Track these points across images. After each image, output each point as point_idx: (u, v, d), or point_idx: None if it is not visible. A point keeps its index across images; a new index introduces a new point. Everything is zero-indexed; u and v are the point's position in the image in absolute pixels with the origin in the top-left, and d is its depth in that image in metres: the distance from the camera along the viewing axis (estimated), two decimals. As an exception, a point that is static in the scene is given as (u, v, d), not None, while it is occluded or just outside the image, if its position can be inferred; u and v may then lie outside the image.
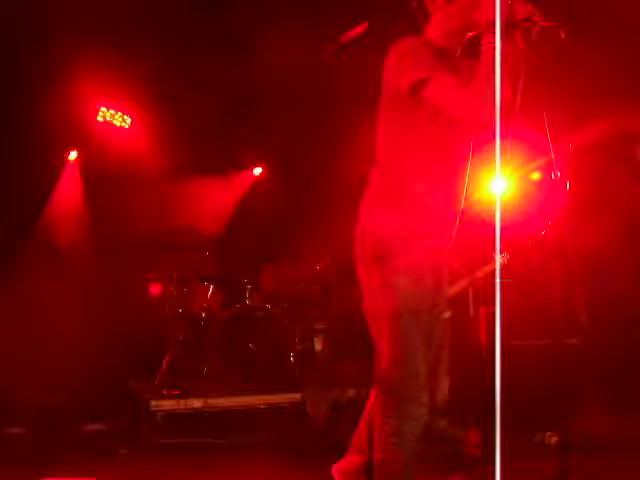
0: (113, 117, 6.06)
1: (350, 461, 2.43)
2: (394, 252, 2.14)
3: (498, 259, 3.93)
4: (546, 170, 2.34)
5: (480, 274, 4.24)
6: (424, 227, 2.16)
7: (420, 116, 2.09)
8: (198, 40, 5.16)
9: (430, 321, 2.22)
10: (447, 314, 2.40)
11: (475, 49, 2.06)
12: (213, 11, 5.09)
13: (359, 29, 2.41)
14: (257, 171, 7.12)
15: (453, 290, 4.29)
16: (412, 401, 2.27)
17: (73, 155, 6.37)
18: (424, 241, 2.15)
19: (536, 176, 5.11)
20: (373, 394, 2.37)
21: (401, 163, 2.17)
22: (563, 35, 2.00)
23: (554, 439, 3.77)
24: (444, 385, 4.26)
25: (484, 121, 1.92)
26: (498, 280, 1.89)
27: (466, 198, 2.39)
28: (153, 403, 4.48)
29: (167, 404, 4.51)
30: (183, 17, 4.98)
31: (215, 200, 6.72)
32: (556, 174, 2.26)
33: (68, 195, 6.35)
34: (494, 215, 1.85)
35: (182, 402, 4.52)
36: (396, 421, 2.24)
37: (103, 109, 6.01)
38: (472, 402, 4.12)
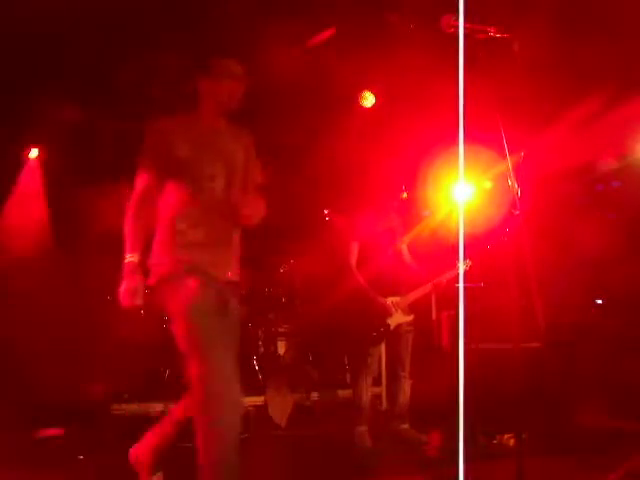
0: (77, 115, 5.96)
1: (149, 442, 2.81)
2: (168, 277, 2.64)
3: (461, 265, 4.01)
4: (502, 178, 2.39)
5: (443, 279, 4.31)
6: (196, 259, 2.63)
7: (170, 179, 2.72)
8: (165, 39, 5.12)
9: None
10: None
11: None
12: (180, 11, 5.07)
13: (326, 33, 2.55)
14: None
15: (415, 294, 4.36)
16: (218, 397, 2.51)
17: (34, 153, 6.26)
18: (200, 270, 2.62)
19: (492, 184, 5.24)
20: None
21: (166, 207, 2.72)
22: (516, 47, 2.07)
23: (512, 440, 3.86)
24: (406, 388, 4.34)
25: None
26: (461, 285, 1.92)
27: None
28: (114, 407, 4.42)
29: (128, 408, 4.46)
30: (149, 14, 4.95)
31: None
32: (512, 181, 2.31)
33: (28, 194, 6.24)
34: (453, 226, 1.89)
35: (143, 406, 4.47)
36: (206, 417, 2.51)
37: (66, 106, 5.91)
38: (434, 404, 4.18)
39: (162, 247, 2.69)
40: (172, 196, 2.70)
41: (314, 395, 5.17)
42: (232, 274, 2.77)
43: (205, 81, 2.75)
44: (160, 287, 2.66)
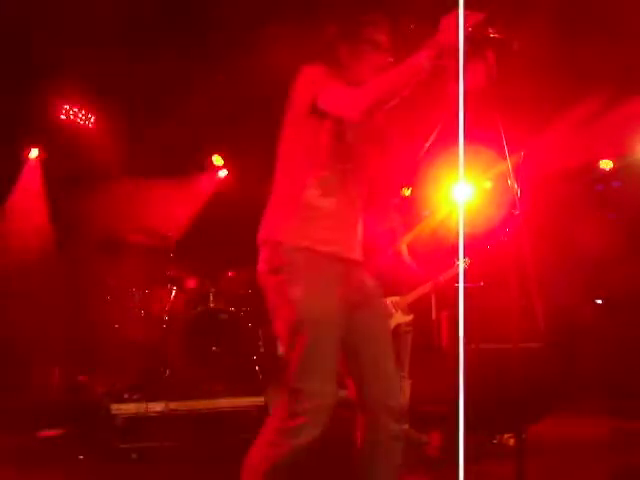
0: (76, 115, 5.97)
1: None
2: (286, 259, 2.18)
3: (461, 264, 4.01)
4: (502, 177, 2.39)
5: (442, 279, 4.32)
6: (322, 233, 2.21)
7: (317, 128, 2.23)
8: (165, 39, 5.12)
9: (337, 330, 2.20)
10: (384, 318, 2.45)
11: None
12: (178, 12, 5.07)
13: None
14: (222, 174, 7.10)
15: (416, 294, 4.36)
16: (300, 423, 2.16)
17: (34, 153, 6.26)
18: (324, 248, 2.20)
19: (492, 183, 5.25)
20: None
21: (297, 170, 2.26)
22: (516, 46, 2.07)
23: (512, 440, 3.86)
24: (405, 388, 4.33)
25: (361, 116, 2.11)
26: (461, 284, 1.92)
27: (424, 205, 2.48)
28: (113, 407, 4.41)
29: (128, 408, 4.45)
30: (148, 15, 4.95)
31: (180, 202, 6.69)
32: (512, 181, 2.31)
33: (28, 194, 6.24)
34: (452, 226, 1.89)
35: (143, 406, 4.46)
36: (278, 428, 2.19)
37: (66, 106, 5.92)
38: (434, 405, 4.18)
39: (279, 219, 2.24)
40: (307, 156, 2.24)
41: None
42: (359, 252, 2.32)
43: (346, 50, 2.32)
44: (269, 276, 2.22)
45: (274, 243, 2.22)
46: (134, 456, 4.01)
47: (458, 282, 4.15)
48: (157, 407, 4.48)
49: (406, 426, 4.33)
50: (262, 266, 2.26)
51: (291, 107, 2.29)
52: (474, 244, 4.08)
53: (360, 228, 2.34)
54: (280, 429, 2.17)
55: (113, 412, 4.37)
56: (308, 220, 2.21)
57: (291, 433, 2.14)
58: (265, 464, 2.15)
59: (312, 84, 2.21)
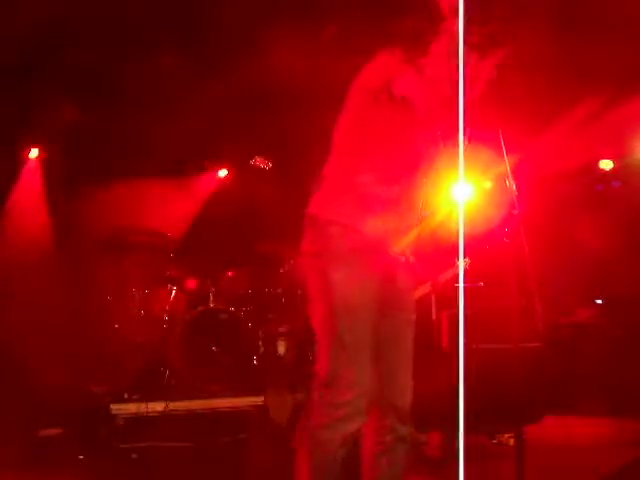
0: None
1: None
2: (331, 242, 2.14)
3: (461, 264, 4.01)
4: (500, 177, 2.39)
5: (442, 279, 4.32)
6: (366, 219, 2.16)
7: (383, 114, 2.16)
8: (166, 39, 5.12)
9: (372, 318, 2.15)
10: (411, 316, 2.42)
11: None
12: (178, 11, 5.07)
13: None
14: (222, 173, 7.10)
15: (416, 294, 4.36)
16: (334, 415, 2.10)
17: (34, 153, 6.27)
18: (366, 234, 2.16)
19: (491, 183, 5.25)
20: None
21: (352, 155, 2.21)
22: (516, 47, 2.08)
23: (512, 440, 3.87)
24: (407, 388, 4.33)
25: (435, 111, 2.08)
26: (461, 284, 1.92)
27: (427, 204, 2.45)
28: (113, 407, 4.41)
29: (128, 408, 4.45)
30: (148, 15, 4.95)
31: (180, 202, 6.69)
32: (510, 181, 2.32)
33: (28, 194, 6.25)
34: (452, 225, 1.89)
35: (143, 406, 4.47)
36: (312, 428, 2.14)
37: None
38: (434, 405, 4.18)
39: (332, 199, 2.19)
40: (369, 140, 2.18)
41: (314, 395, 5.16)
42: (406, 248, 2.30)
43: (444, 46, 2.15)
44: (311, 259, 2.19)
45: (323, 221, 2.17)
46: (134, 456, 4.01)
47: (458, 282, 4.15)
48: (157, 407, 4.48)
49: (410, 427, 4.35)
50: (305, 246, 2.23)
51: (357, 90, 2.24)
52: (474, 244, 4.07)
53: (415, 223, 2.31)
54: (322, 425, 2.12)
55: (113, 412, 4.37)
56: (361, 204, 2.14)
57: (335, 427, 2.10)
58: (318, 467, 2.13)
59: (386, 70, 2.16)
